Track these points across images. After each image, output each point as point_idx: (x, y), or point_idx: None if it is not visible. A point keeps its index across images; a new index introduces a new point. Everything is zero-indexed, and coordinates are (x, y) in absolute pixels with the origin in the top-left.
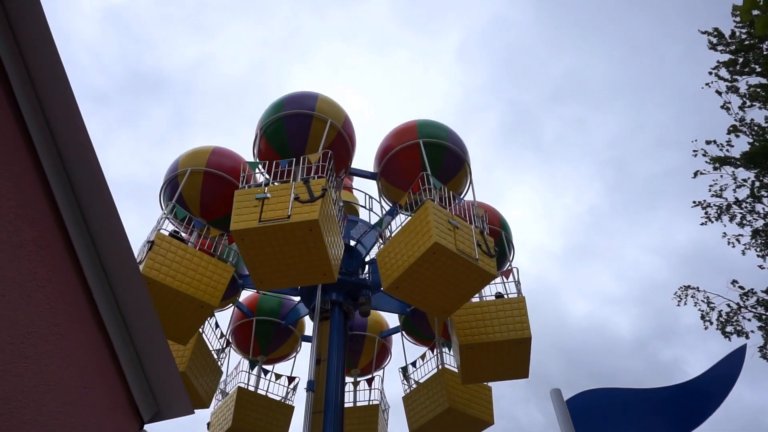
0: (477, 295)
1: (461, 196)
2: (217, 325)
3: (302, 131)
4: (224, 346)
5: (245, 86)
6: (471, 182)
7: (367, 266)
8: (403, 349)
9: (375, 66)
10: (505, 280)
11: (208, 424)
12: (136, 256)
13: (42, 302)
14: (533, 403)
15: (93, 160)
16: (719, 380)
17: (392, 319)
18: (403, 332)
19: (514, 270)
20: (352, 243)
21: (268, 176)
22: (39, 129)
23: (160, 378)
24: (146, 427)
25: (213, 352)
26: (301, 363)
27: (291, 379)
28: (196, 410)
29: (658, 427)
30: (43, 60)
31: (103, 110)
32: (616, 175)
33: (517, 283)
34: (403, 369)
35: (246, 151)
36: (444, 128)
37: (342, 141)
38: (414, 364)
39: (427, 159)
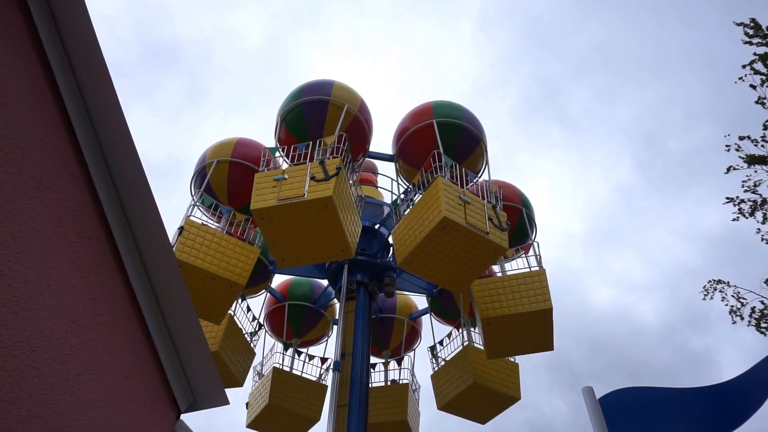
0: (499, 270)
1: (479, 175)
2: (249, 309)
3: (319, 117)
4: (257, 328)
5: (260, 60)
6: (487, 160)
7: (391, 248)
8: (432, 330)
9: (392, 38)
10: (525, 254)
11: (247, 404)
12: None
13: (84, 292)
14: (556, 393)
15: (133, 153)
16: (759, 382)
17: (421, 302)
18: (432, 313)
19: (535, 244)
20: (376, 226)
21: (287, 160)
22: (82, 125)
23: (196, 369)
24: (182, 416)
25: (246, 335)
26: (333, 345)
27: (324, 360)
28: (231, 388)
29: (693, 429)
30: (88, 62)
31: (117, 84)
32: (646, 152)
33: (538, 257)
34: (431, 348)
35: (262, 127)
36: (459, 108)
37: (358, 125)
38: (441, 342)
39: (441, 138)
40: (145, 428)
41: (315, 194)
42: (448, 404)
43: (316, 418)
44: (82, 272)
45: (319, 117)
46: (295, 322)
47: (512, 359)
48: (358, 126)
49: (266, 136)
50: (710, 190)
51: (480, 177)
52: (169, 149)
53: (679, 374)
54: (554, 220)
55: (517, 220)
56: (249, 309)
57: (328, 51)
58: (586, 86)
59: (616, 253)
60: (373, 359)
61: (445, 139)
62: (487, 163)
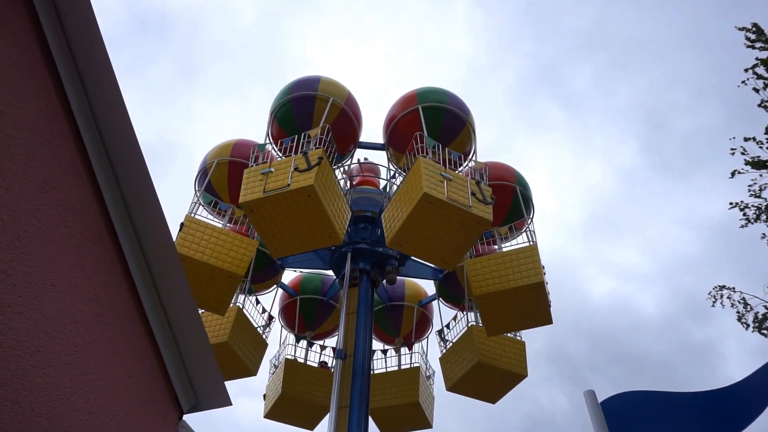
0: (496, 247)
1: (470, 157)
2: (257, 302)
3: (307, 111)
4: (267, 321)
5: (253, 38)
6: (474, 141)
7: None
8: (439, 314)
9: (386, 19)
10: (518, 231)
11: (264, 395)
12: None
13: (88, 292)
14: (556, 385)
15: (138, 154)
16: (761, 387)
17: (430, 288)
18: (440, 298)
19: (528, 221)
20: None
21: (279, 155)
22: (88, 126)
23: (199, 370)
24: (185, 417)
25: (258, 327)
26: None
27: (335, 350)
28: (244, 378)
29: None
30: (94, 63)
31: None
32: (648, 134)
33: (532, 233)
34: (438, 332)
35: (256, 110)
36: (444, 92)
37: (345, 117)
38: (448, 326)
39: (426, 122)
40: (147, 428)
41: (298, 183)
42: (455, 385)
43: (329, 406)
44: (86, 272)
45: (307, 111)
46: (307, 316)
47: (518, 337)
48: (346, 118)
49: (259, 119)
50: (713, 176)
51: (470, 159)
52: (161, 129)
53: (680, 367)
54: (552, 208)
55: (512, 199)
56: (258, 302)
57: (321, 32)
58: (587, 65)
59: (615, 242)
60: (385, 346)
61: (429, 122)
62: (474, 144)
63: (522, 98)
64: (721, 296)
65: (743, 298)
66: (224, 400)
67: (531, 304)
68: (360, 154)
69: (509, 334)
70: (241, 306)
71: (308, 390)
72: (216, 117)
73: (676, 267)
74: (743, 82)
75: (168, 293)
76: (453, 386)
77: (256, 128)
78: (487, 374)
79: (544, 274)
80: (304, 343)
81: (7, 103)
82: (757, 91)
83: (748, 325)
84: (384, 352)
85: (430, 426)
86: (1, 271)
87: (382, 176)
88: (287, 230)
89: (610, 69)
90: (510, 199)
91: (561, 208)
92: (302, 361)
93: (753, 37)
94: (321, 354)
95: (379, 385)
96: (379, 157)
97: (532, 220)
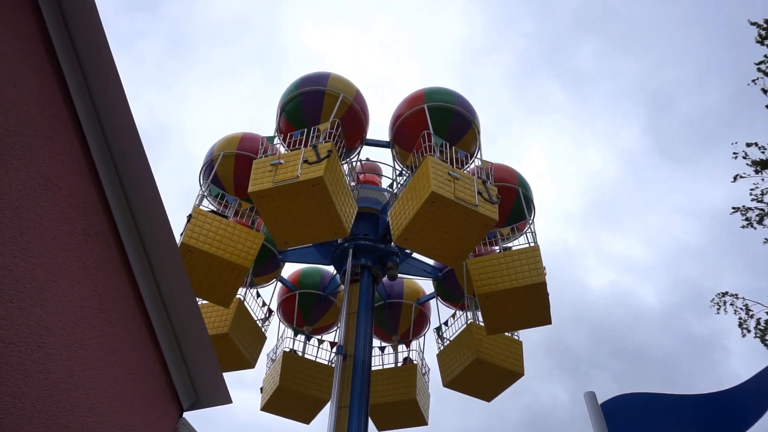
0: (497, 247)
1: (474, 156)
2: (258, 295)
3: (316, 106)
4: (267, 315)
5: (246, 14)
6: (479, 142)
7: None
8: (438, 313)
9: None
10: (519, 232)
11: (261, 388)
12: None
13: (90, 289)
14: (556, 378)
15: (140, 152)
16: (762, 390)
17: (429, 287)
18: (438, 297)
19: (530, 222)
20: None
21: (286, 148)
22: (90, 123)
23: (200, 367)
24: (185, 414)
25: (258, 321)
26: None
27: (333, 344)
28: (242, 370)
29: None
30: (97, 60)
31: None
32: (650, 120)
33: (533, 234)
34: (436, 329)
35: (250, 93)
36: (451, 93)
37: (354, 114)
38: (446, 323)
39: (434, 122)
40: (147, 425)
41: (307, 175)
42: (453, 381)
43: (326, 399)
44: (87, 269)
45: (316, 106)
46: (306, 310)
47: (516, 337)
48: (354, 114)
49: (253, 98)
50: (717, 164)
51: (474, 158)
52: (153, 112)
53: (682, 360)
54: (551, 195)
55: (514, 200)
56: (258, 295)
57: (315, 14)
58: (588, 45)
59: (616, 231)
60: (383, 343)
61: (437, 122)
62: (479, 143)
63: (520, 81)
64: (725, 303)
65: (746, 305)
66: (224, 398)
67: (532, 304)
68: (364, 152)
69: (507, 333)
70: (242, 298)
71: (306, 383)
72: (210, 99)
73: (678, 257)
74: (753, 81)
75: (169, 290)
76: (450, 382)
77: (249, 107)
78: (484, 371)
79: (545, 275)
80: (302, 337)
81: (12, 100)
82: (765, 92)
83: (749, 330)
84: (381, 349)
85: (425, 423)
86: (3, 266)
87: (382, 174)
88: (294, 222)
89: (613, 49)
90: (512, 200)
91: (560, 196)
92: (301, 354)
93: (764, 33)
94: (331, 350)
95: (377, 383)
96: (382, 155)
97: (533, 221)
